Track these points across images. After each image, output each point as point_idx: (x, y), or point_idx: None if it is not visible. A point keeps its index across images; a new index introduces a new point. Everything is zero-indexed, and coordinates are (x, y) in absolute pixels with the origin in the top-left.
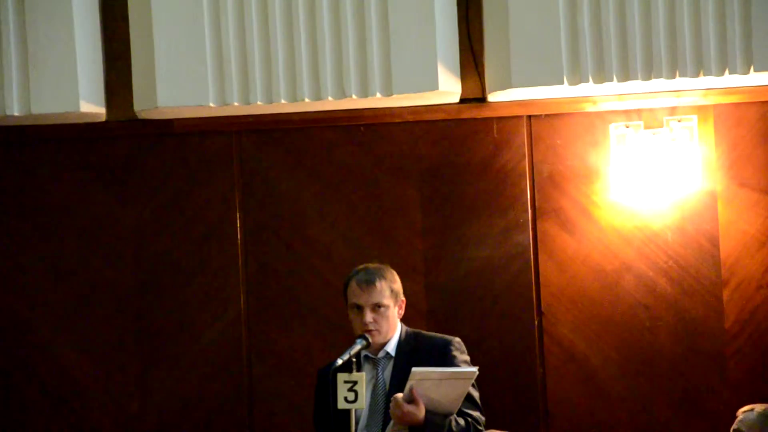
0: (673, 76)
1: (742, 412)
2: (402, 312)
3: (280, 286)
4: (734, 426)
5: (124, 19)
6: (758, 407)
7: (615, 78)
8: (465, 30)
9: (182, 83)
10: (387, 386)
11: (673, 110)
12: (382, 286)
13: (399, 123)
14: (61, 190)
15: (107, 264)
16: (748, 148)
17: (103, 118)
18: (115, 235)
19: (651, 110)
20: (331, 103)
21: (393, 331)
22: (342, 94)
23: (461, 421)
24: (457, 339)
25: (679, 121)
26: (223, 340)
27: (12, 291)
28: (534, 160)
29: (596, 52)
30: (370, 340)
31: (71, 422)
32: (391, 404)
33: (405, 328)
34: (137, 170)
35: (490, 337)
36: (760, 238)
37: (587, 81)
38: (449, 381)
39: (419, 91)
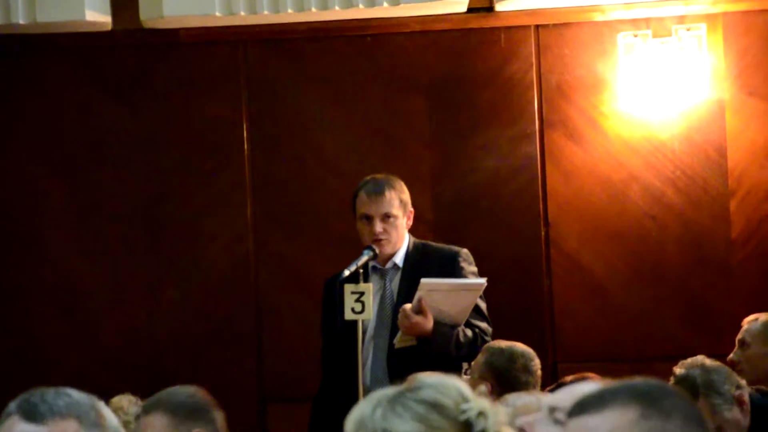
0: None
1: (747, 322)
2: (410, 223)
3: (287, 197)
4: (739, 335)
5: None
6: (763, 317)
7: None
8: None
9: None
10: (395, 297)
11: (681, 19)
12: (391, 195)
13: (406, 33)
14: (67, 100)
15: (115, 174)
16: (757, 56)
17: (109, 27)
18: (123, 146)
19: (659, 19)
20: (337, 13)
21: (401, 242)
22: (349, 3)
23: (469, 332)
24: (465, 250)
25: (687, 29)
26: (231, 251)
27: (20, 201)
28: (542, 70)
29: None
30: (378, 250)
31: (79, 331)
32: (400, 315)
33: (413, 239)
34: (144, 80)
35: (497, 249)
36: None
37: None
38: (458, 292)
39: (426, 1)
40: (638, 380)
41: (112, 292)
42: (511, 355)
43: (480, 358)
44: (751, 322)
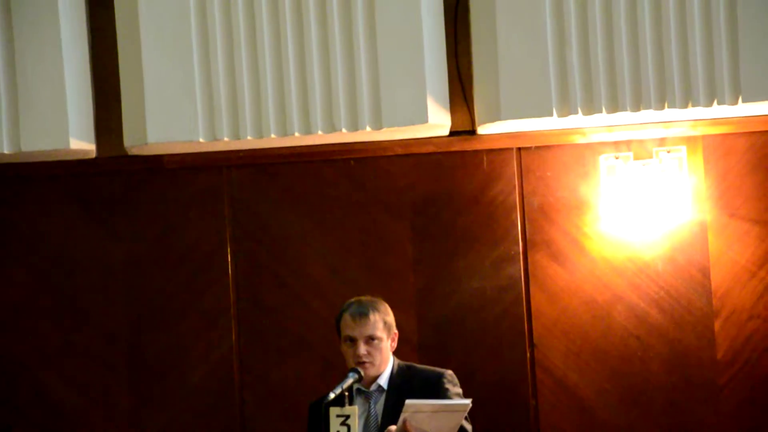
0: (661, 107)
1: None
2: (395, 345)
3: (271, 320)
4: None
5: (114, 56)
6: None
7: (604, 109)
8: (454, 63)
9: (172, 119)
10: (379, 419)
11: (662, 141)
12: (375, 318)
13: (389, 156)
14: (51, 227)
15: (98, 300)
16: (737, 178)
17: (93, 155)
18: (106, 271)
19: (640, 141)
20: (320, 137)
21: (386, 364)
22: (332, 128)
23: None
24: (450, 372)
25: (668, 151)
26: (216, 375)
27: (1, 327)
28: (524, 192)
29: (585, 84)
30: (363, 373)
31: None
32: None
33: (397, 361)
34: (128, 206)
35: (482, 370)
36: (751, 268)
37: (576, 113)
38: (442, 413)
39: (409, 125)
40: None
41: (95, 418)
42: None
43: None
44: None
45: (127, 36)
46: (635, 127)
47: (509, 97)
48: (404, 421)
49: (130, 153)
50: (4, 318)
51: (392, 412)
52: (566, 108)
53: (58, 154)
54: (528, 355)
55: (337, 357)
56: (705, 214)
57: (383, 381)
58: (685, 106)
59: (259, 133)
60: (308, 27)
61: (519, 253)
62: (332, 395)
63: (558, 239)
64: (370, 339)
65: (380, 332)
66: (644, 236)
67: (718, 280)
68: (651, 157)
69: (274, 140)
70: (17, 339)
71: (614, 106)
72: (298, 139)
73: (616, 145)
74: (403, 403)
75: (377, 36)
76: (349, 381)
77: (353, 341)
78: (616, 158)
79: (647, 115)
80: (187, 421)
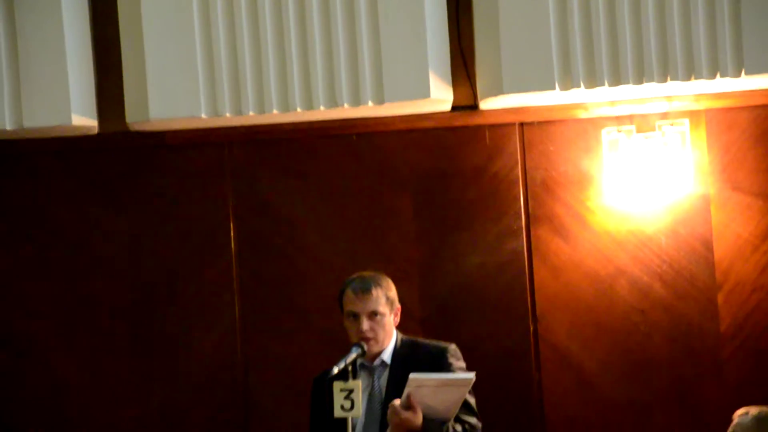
0: (664, 81)
1: (737, 416)
2: (398, 319)
3: (274, 295)
4: (730, 429)
5: (116, 32)
6: (753, 410)
7: (606, 83)
8: (456, 38)
9: (174, 95)
10: (383, 394)
11: (665, 115)
12: (378, 293)
13: (391, 131)
14: (54, 203)
15: (101, 275)
16: (740, 151)
17: (96, 131)
18: (109, 247)
19: (643, 115)
20: (322, 113)
21: (389, 339)
22: (334, 103)
23: (458, 428)
24: (453, 346)
25: (671, 125)
26: (219, 350)
27: (6, 303)
28: (527, 167)
29: (587, 58)
30: (366, 348)
31: None
32: (389, 411)
33: (400, 335)
34: (130, 182)
35: (485, 344)
36: (754, 241)
37: (579, 86)
38: (446, 387)
39: (411, 100)
40: None
41: (100, 393)
42: None
43: None
44: (741, 415)
45: (128, 13)
46: (638, 100)
47: (511, 71)
48: (408, 396)
49: (132, 129)
50: (7, 293)
51: (396, 386)
52: (568, 82)
53: (61, 131)
54: (531, 329)
55: (339, 331)
56: (708, 187)
57: (387, 356)
58: (688, 79)
59: (261, 109)
60: (310, 2)
61: (521, 227)
62: (336, 370)
63: (561, 213)
64: (373, 314)
65: (383, 307)
66: (647, 210)
67: (721, 253)
68: (654, 130)
69: (276, 116)
70: (21, 314)
71: (617, 80)
72: (300, 114)
73: (619, 119)
74: (406, 378)
75: (379, 11)
76: (353, 355)
77: (356, 317)
78: (619, 132)
79: (650, 88)
80: (191, 394)
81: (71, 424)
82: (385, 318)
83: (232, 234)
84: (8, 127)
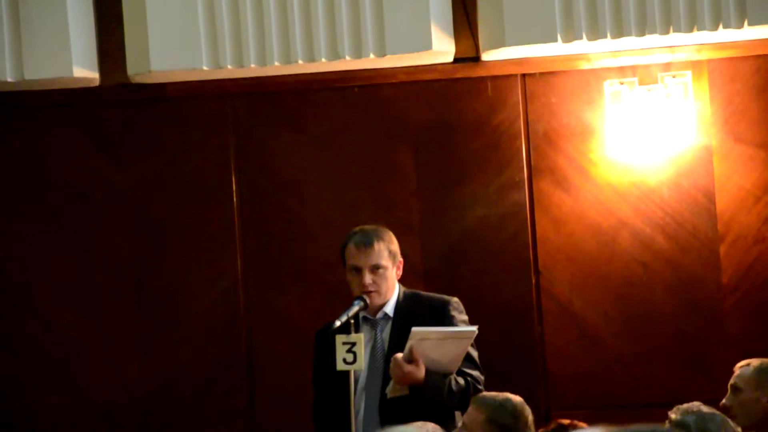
0: (666, 32)
1: (739, 367)
2: (400, 273)
3: (276, 248)
4: (731, 381)
5: None
6: (755, 362)
7: (609, 35)
8: None
9: (175, 47)
10: (386, 347)
11: (667, 66)
12: (380, 247)
13: (393, 83)
14: (55, 154)
15: (103, 228)
16: (742, 102)
17: (97, 83)
18: (111, 200)
19: (645, 66)
20: (324, 65)
21: (391, 292)
22: (335, 55)
23: (461, 381)
24: (455, 299)
25: (673, 76)
26: (221, 304)
27: (8, 257)
28: (529, 119)
29: (589, 9)
30: (369, 301)
31: (70, 387)
32: (391, 364)
33: (403, 288)
34: (132, 134)
35: (487, 297)
36: (756, 192)
37: (581, 38)
38: (449, 340)
39: (412, 51)
40: (639, 427)
41: (102, 345)
42: (514, 411)
43: (476, 414)
44: (743, 367)
45: None
46: (640, 52)
47: (513, 23)
48: (410, 349)
49: (133, 81)
50: (10, 247)
51: (398, 339)
52: (571, 33)
53: (62, 83)
54: (533, 281)
55: (342, 285)
56: (710, 138)
57: (389, 309)
58: (690, 30)
59: (263, 61)
60: None
61: (524, 179)
62: (338, 323)
63: (563, 165)
64: (375, 268)
65: (385, 261)
66: (649, 162)
67: (723, 204)
68: (656, 82)
69: (277, 68)
70: (24, 269)
71: (619, 31)
72: (301, 66)
73: (621, 70)
74: (409, 331)
75: None
76: (355, 309)
77: (358, 271)
78: (621, 84)
79: (652, 39)
80: (194, 348)
81: (73, 376)
82: (387, 271)
83: (233, 186)
84: (9, 79)
